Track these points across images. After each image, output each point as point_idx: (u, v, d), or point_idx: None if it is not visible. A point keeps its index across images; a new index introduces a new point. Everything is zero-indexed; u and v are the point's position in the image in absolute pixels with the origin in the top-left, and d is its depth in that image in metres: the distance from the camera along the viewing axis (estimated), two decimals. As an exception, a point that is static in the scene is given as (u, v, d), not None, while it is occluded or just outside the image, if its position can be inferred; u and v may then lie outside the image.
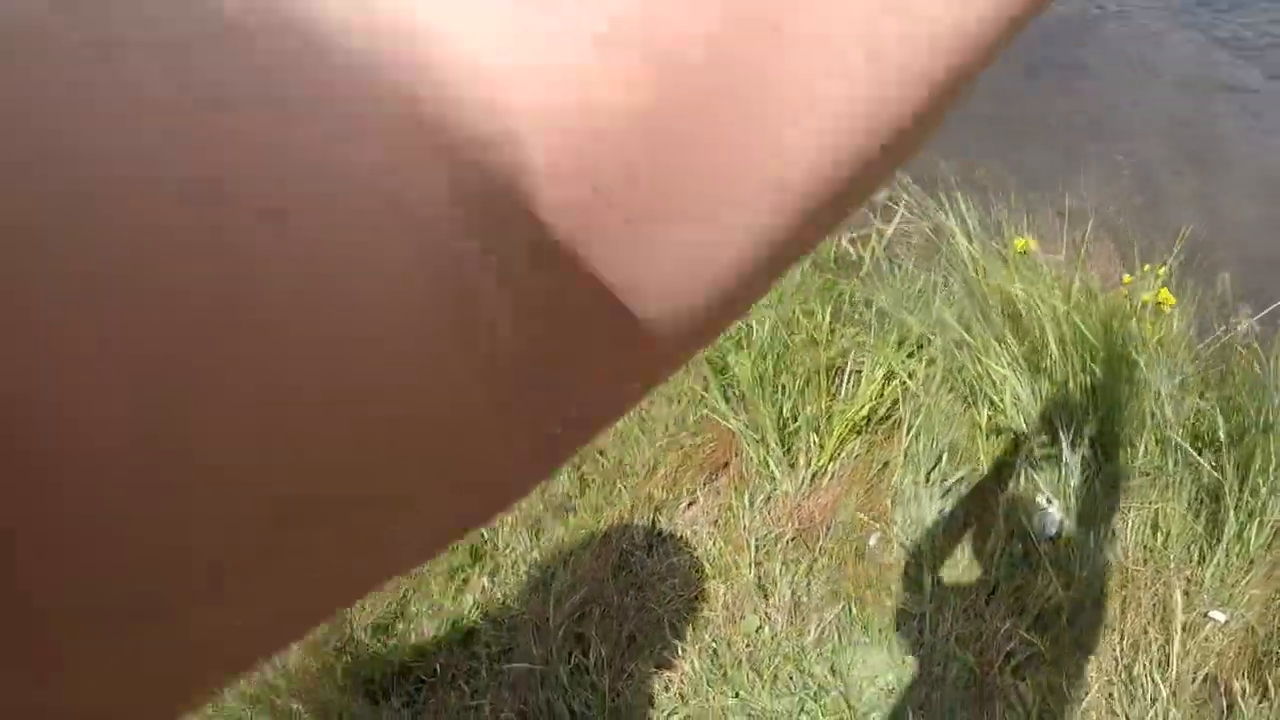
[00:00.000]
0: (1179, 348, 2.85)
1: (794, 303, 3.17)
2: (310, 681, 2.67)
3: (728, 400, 3.06)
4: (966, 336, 2.93)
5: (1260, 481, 2.45)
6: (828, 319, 3.11)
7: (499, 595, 2.91)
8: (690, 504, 3.00)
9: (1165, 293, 3.00)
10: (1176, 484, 2.62)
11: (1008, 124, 4.44)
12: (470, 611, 2.86)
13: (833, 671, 2.50)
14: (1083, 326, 2.74)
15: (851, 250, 3.42)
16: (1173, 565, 2.55)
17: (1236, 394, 2.72)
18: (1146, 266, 3.00)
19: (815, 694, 2.46)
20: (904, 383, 2.98)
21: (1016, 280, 2.87)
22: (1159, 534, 2.62)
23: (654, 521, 2.96)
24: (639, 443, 3.18)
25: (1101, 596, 2.54)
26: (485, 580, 2.97)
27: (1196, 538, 2.58)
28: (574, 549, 2.96)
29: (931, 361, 3.01)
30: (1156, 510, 2.64)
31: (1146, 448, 2.68)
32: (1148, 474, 2.67)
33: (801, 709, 2.44)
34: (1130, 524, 2.65)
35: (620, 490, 3.08)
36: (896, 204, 3.30)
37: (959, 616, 2.53)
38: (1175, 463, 2.64)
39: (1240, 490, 2.48)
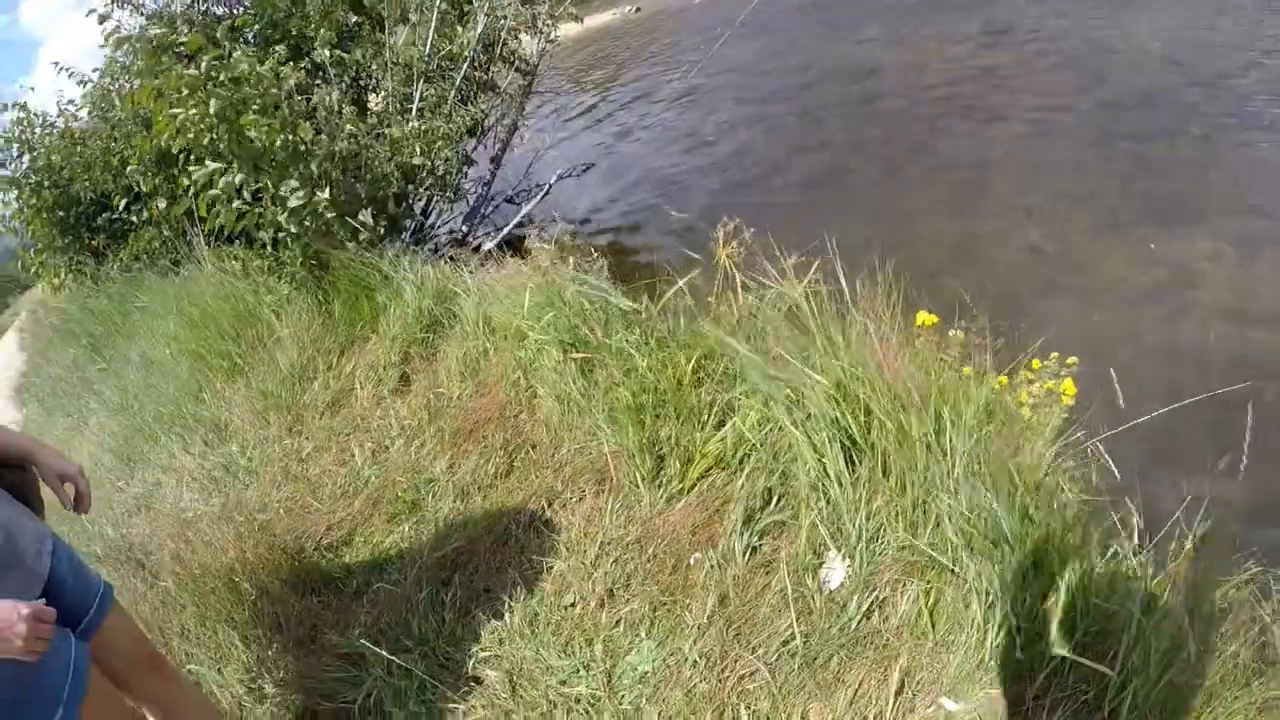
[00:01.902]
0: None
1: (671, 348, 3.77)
2: (263, 570, 3.72)
3: (615, 422, 3.69)
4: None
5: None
6: (692, 365, 3.66)
7: (413, 537, 3.79)
8: (580, 499, 3.65)
9: (1070, 385, 3.15)
10: (959, 572, 2.78)
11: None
12: (390, 546, 3.79)
13: (607, 652, 3.01)
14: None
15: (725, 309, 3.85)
16: (929, 646, 2.73)
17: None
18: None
19: (588, 664, 2.98)
20: (754, 431, 3.40)
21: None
22: (928, 615, 2.78)
23: (544, 508, 3.68)
24: (560, 444, 3.92)
25: (848, 652, 2.79)
26: (410, 526, 3.87)
27: (959, 627, 2.72)
28: (478, 515, 3.77)
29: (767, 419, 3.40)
30: (934, 591, 2.81)
31: (940, 529, 2.86)
32: (941, 553, 2.84)
33: (575, 672, 2.98)
34: (907, 597, 2.85)
35: (532, 478, 3.84)
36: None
37: (720, 636, 2.92)
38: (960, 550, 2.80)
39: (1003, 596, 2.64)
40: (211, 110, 5.40)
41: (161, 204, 7.42)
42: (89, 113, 9.79)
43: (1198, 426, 3.39)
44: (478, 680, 3.07)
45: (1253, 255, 6.05)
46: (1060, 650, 2.38)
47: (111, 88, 9.15)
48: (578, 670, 2.98)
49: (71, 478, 2.50)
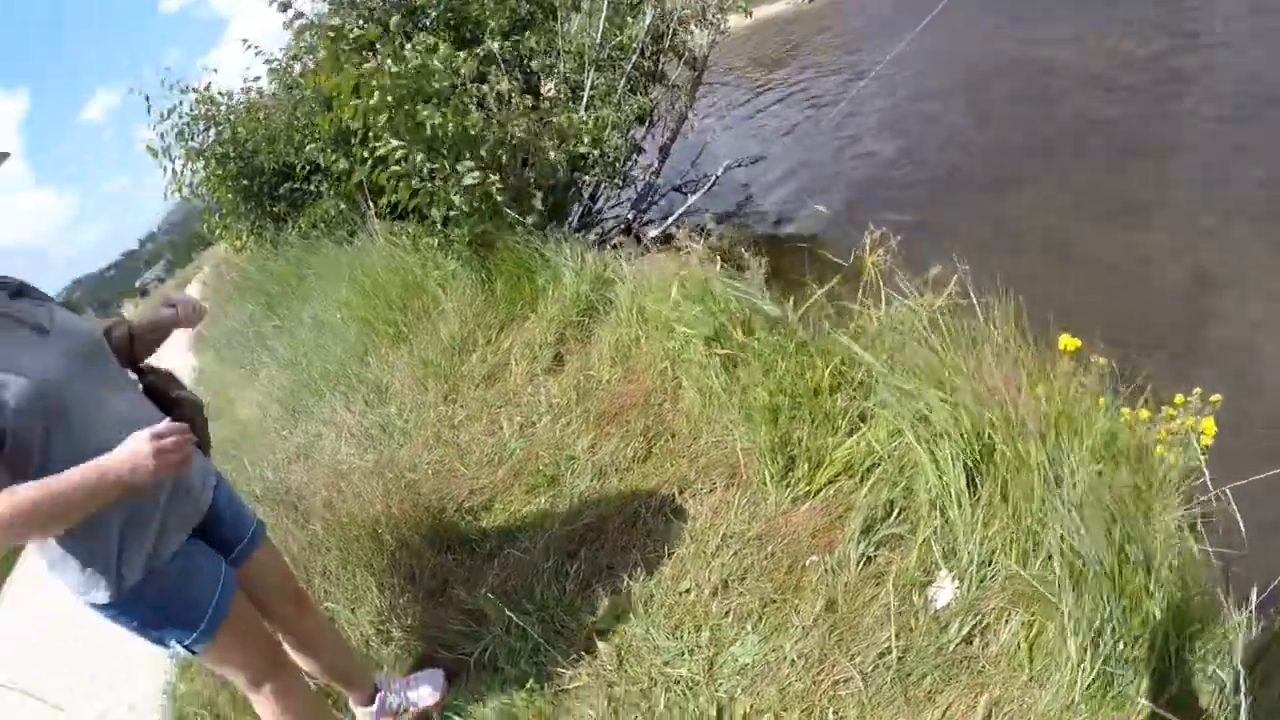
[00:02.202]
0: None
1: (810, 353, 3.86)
2: (405, 525, 3.99)
3: (750, 420, 3.80)
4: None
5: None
6: (829, 373, 3.74)
7: (548, 509, 3.98)
8: (710, 491, 3.78)
9: (1210, 425, 3.09)
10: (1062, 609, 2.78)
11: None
12: (525, 515, 3.99)
13: (713, 640, 3.14)
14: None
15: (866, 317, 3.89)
16: (1022, 680, 2.75)
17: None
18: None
19: (693, 649, 3.12)
20: (883, 443, 3.47)
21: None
22: (1026, 647, 2.81)
23: (675, 495, 3.82)
24: (698, 436, 4.05)
25: (942, 673, 2.84)
26: (547, 499, 4.07)
27: (1055, 665, 2.73)
28: (611, 495, 3.94)
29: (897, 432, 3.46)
30: (1036, 624, 2.83)
31: (1050, 561, 2.86)
32: (1047, 586, 2.84)
33: (679, 654, 3.12)
34: (1009, 627, 2.88)
35: (668, 465, 3.98)
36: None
37: (821, 639, 3.02)
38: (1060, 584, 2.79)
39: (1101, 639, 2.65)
40: (389, 99, 5.70)
41: (342, 165, 7.73)
42: (274, 89, 10.31)
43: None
44: (588, 650, 3.25)
45: None
46: (1148, 703, 2.40)
47: (294, 67, 9.59)
48: (682, 653, 3.12)
49: (178, 303, 2.73)
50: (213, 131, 10.52)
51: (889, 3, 21.81)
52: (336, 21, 6.33)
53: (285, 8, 6.75)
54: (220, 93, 10.70)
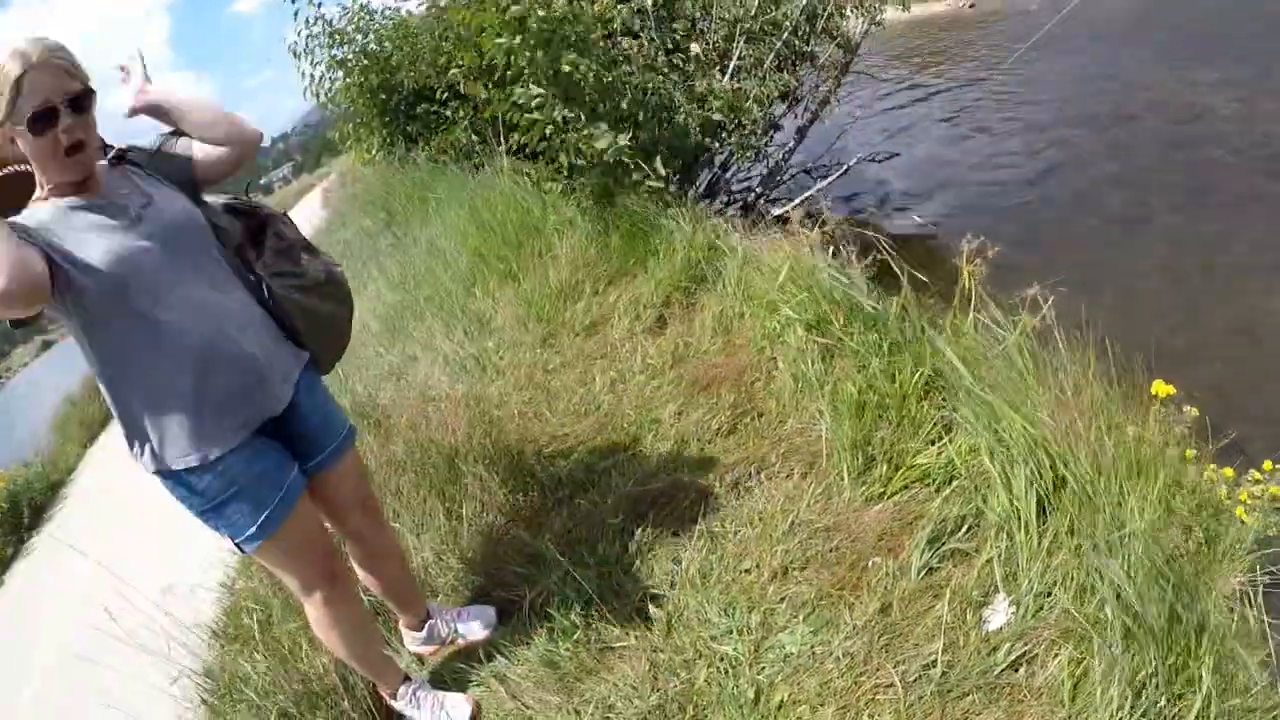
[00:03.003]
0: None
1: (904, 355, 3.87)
2: (484, 459, 4.14)
3: (837, 413, 3.83)
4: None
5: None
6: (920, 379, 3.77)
7: (625, 467, 4.07)
8: (787, 476, 3.83)
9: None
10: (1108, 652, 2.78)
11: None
12: (602, 470, 4.10)
13: (763, 623, 3.19)
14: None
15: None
16: (1060, 716, 2.74)
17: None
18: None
19: (742, 629, 3.18)
20: (963, 457, 3.48)
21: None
22: (1070, 685, 2.81)
23: (752, 474, 3.88)
24: (785, 419, 4.10)
25: (984, 695, 2.86)
26: (626, 457, 4.17)
27: (1095, 708, 2.73)
28: (690, 463, 4.02)
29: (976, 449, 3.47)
30: (1085, 664, 2.82)
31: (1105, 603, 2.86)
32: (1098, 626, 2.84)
33: (728, 632, 3.18)
34: (1057, 661, 2.88)
35: (750, 443, 4.04)
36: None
37: (870, 641, 3.05)
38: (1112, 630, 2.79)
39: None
40: (532, 42, 5.78)
41: (482, 94, 7.82)
42: (424, 8, 10.46)
43: None
44: (639, 613, 3.32)
45: None
46: None
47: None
48: (731, 632, 3.16)
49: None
50: (359, 40, 10.74)
51: (1050, 16, 21.36)
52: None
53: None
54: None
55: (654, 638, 3.20)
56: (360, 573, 3.21)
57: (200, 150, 2.56)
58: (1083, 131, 12.43)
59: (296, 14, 10.52)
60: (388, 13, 11.04)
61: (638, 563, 3.58)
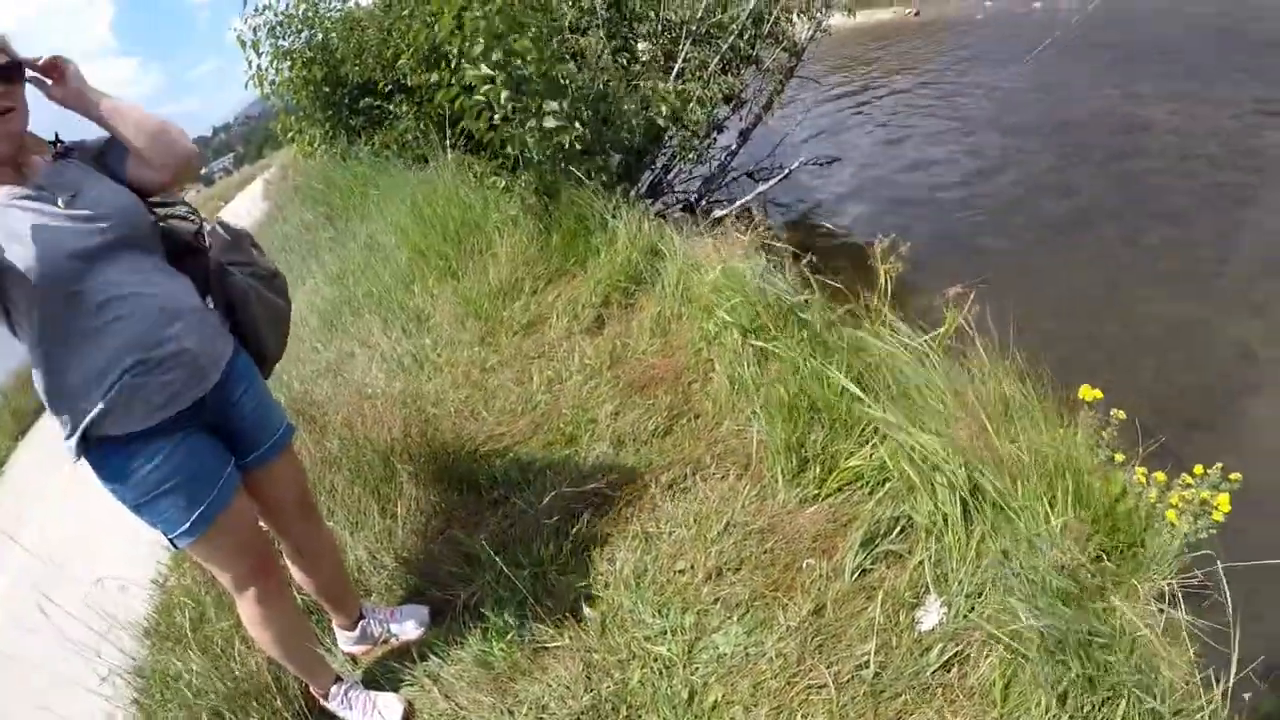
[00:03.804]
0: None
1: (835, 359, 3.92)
2: (420, 458, 4.11)
3: (770, 416, 3.87)
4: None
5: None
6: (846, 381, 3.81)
7: (561, 468, 4.07)
8: (722, 478, 3.85)
9: (1225, 501, 3.13)
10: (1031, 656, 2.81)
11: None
12: (537, 470, 4.09)
13: (697, 624, 3.20)
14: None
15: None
16: (991, 716, 2.76)
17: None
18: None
19: (676, 630, 3.18)
20: (893, 460, 3.52)
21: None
22: (1001, 685, 2.83)
23: (687, 476, 3.90)
24: (721, 421, 4.13)
25: (915, 695, 2.88)
26: (561, 457, 4.16)
27: (1026, 710, 2.76)
28: (626, 464, 4.02)
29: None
30: (1014, 664, 2.85)
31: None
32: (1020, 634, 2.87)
33: (662, 633, 3.18)
34: (988, 661, 2.91)
35: (686, 445, 4.06)
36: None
37: (803, 641, 3.06)
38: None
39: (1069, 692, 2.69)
40: (490, 26, 5.78)
41: (433, 78, 7.75)
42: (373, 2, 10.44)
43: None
44: (574, 613, 3.31)
45: None
46: None
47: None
48: (665, 632, 3.17)
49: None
50: (305, 33, 10.67)
51: (993, 31, 21.75)
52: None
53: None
54: None
55: (588, 638, 3.19)
56: (294, 571, 3.18)
57: (133, 163, 2.52)
58: (1024, 140, 12.71)
59: (246, 2, 10.45)
60: (335, 4, 10.98)
61: (572, 563, 3.57)
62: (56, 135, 2.43)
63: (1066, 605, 2.73)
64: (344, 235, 9.05)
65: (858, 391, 3.80)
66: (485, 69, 5.94)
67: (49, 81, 2.35)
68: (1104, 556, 3.00)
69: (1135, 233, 9.04)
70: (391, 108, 10.27)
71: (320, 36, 10.64)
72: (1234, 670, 2.54)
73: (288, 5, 10.72)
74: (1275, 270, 7.76)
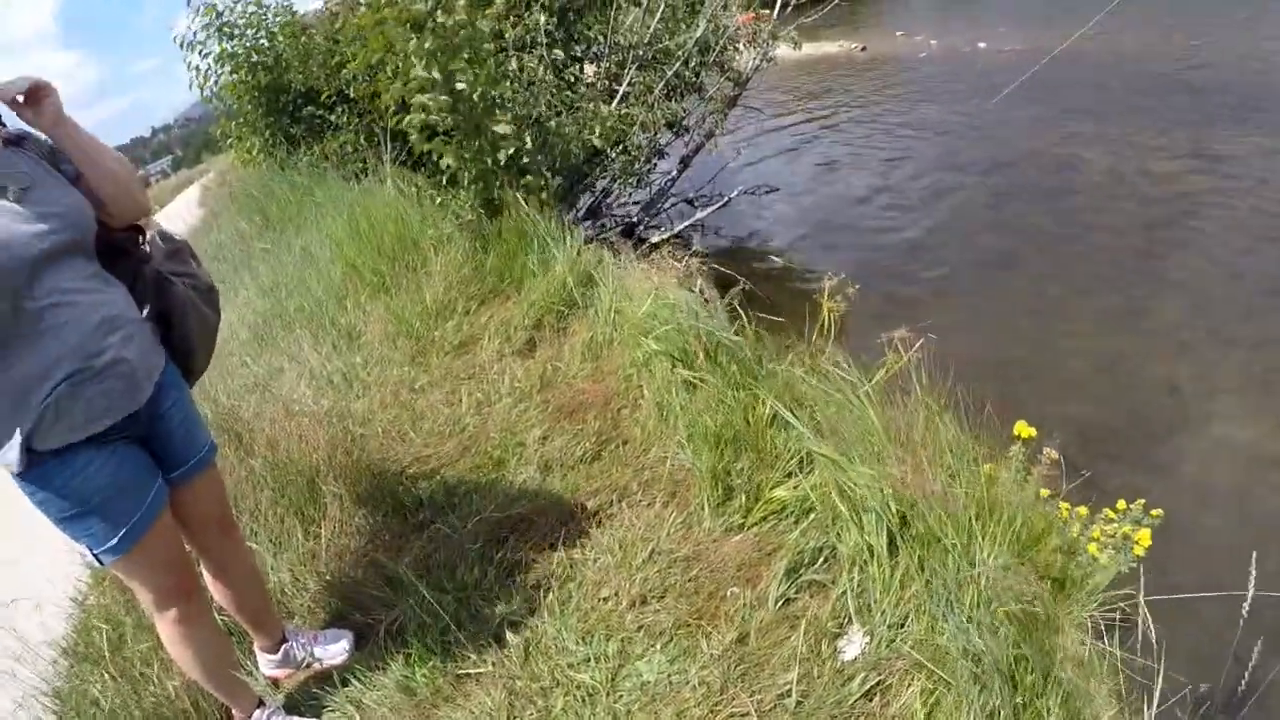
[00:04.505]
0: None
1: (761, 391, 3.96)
2: (345, 478, 4.07)
3: (696, 445, 3.90)
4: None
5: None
6: (769, 412, 3.85)
7: (488, 491, 4.05)
8: (649, 505, 3.86)
9: (1146, 536, 3.22)
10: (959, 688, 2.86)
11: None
12: (464, 493, 4.07)
13: (621, 651, 3.19)
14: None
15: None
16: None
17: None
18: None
19: (599, 657, 3.18)
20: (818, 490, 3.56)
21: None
22: (922, 716, 2.87)
23: (614, 502, 3.90)
24: (649, 449, 4.14)
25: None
26: (488, 481, 4.15)
27: None
28: (552, 490, 4.02)
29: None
30: (937, 694, 2.89)
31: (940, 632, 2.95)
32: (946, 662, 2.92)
33: (586, 660, 3.17)
34: (910, 691, 2.95)
35: (613, 471, 4.06)
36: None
37: (726, 670, 3.07)
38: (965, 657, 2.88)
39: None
40: (427, 47, 5.77)
41: (372, 89, 7.69)
42: (319, 8, 10.35)
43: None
44: (498, 639, 3.29)
45: None
46: None
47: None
48: (589, 659, 3.15)
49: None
50: (249, 35, 10.54)
51: (937, 69, 22.11)
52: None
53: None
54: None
55: (512, 665, 3.17)
56: (215, 591, 3.13)
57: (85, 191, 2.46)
58: (961, 177, 12.93)
59: (189, 1, 10.29)
60: (280, 9, 10.86)
61: (497, 589, 3.54)
62: (1, 119, 2.33)
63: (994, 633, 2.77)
64: (279, 246, 8.94)
65: (791, 418, 3.83)
66: (423, 92, 5.94)
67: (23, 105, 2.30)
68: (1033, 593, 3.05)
69: (1066, 270, 9.25)
70: (334, 118, 10.18)
71: (265, 41, 10.52)
72: (1156, 700, 2.61)
73: (230, 9, 10.57)
74: (1203, 310, 8.00)
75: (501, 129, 6.02)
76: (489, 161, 6.20)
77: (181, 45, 10.55)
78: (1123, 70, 17.40)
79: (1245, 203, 10.59)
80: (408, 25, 5.89)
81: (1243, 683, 2.59)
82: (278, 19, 10.76)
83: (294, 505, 4.00)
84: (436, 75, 5.88)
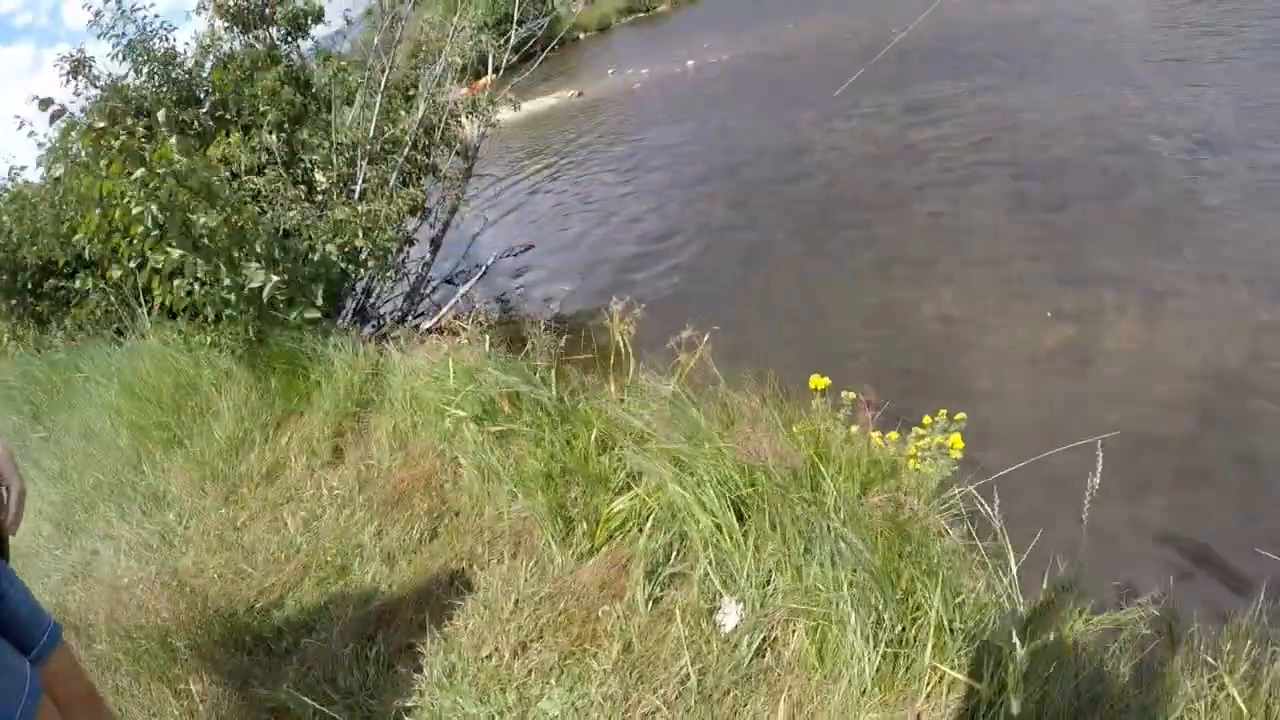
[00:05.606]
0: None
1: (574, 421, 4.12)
2: (197, 631, 3.99)
3: (527, 490, 4.00)
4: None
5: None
6: (594, 438, 4.03)
7: (341, 599, 4.04)
8: (499, 561, 3.94)
9: (958, 439, 3.48)
10: (838, 613, 3.04)
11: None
12: (318, 608, 4.04)
13: (520, 699, 3.25)
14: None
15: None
16: (816, 679, 2.97)
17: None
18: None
19: (502, 711, 3.22)
20: (654, 495, 3.72)
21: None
22: (814, 651, 3.04)
23: (465, 569, 3.96)
24: (481, 510, 4.22)
25: (741, 688, 3.04)
26: (338, 589, 4.13)
27: (844, 660, 2.97)
28: (403, 578, 4.05)
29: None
30: (820, 629, 3.07)
31: (823, 573, 3.14)
32: (821, 595, 3.10)
33: (490, 718, 3.21)
34: (796, 636, 3.12)
35: (455, 542, 4.12)
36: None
37: (623, 679, 3.17)
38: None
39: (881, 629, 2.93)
40: (154, 209, 5.70)
41: (115, 273, 7.48)
42: (42, 176, 9.93)
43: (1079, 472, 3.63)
44: (400, 729, 3.29)
45: (1152, 314, 6.70)
46: (934, 664, 2.70)
47: (61, 163, 9.25)
48: (493, 716, 3.20)
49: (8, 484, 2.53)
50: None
51: (654, 95, 22.86)
52: (100, 125, 6.23)
53: (46, 104, 6.51)
54: None
55: (421, 749, 3.19)
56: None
57: None
58: (702, 187, 13.46)
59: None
60: (3, 185, 10.36)
61: (382, 683, 3.53)
62: None
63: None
64: (56, 430, 8.56)
65: (639, 425, 3.98)
66: (175, 251, 5.85)
67: None
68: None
69: (821, 243, 9.88)
70: (78, 284, 9.76)
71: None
72: (1013, 562, 2.90)
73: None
74: (951, 243, 8.79)
75: (256, 280, 5.98)
76: (235, 298, 6.13)
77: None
78: (829, 52, 18.45)
79: (965, 140, 11.43)
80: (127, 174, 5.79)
81: (1082, 525, 2.83)
82: (2, 195, 10.27)
83: (155, 671, 3.86)
84: (158, 213, 5.79)
